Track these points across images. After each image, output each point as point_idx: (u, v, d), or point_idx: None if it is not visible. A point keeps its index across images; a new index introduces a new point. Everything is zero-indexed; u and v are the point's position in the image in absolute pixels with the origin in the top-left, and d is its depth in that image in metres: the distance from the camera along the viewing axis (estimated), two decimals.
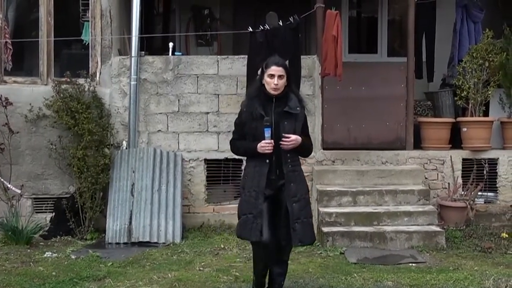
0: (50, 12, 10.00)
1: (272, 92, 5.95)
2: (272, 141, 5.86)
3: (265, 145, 5.85)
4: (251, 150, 6.01)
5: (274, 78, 5.92)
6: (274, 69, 5.94)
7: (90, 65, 10.14)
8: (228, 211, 10.00)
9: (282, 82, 5.95)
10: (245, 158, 6.37)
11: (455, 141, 10.39)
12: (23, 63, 10.68)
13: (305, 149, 6.16)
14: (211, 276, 7.36)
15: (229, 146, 9.87)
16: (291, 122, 5.98)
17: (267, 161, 5.94)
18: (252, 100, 6.05)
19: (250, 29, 9.65)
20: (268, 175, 5.96)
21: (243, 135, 6.13)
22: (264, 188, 5.94)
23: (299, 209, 5.97)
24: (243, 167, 9.96)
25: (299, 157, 6.17)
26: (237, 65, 10.06)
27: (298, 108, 6.01)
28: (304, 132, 6.12)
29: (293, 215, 5.93)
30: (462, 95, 10.23)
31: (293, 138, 5.90)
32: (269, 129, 5.86)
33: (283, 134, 5.89)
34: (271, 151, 5.88)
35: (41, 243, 9.23)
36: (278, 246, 6.06)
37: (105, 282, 7.20)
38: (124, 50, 10.38)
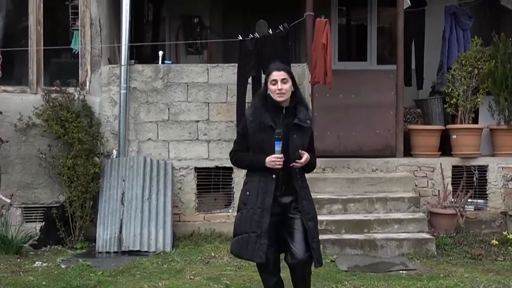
0: (40, 21, 9.99)
1: (278, 98, 5.55)
2: (283, 155, 5.47)
3: (275, 159, 5.46)
4: (257, 163, 5.59)
5: (277, 84, 5.54)
6: (276, 74, 5.58)
7: (79, 74, 10.12)
8: (219, 220, 10.01)
9: (287, 86, 5.57)
10: (246, 171, 5.95)
11: (445, 148, 10.43)
12: (12, 72, 10.65)
13: (311, 165, 5.81)
14: (201, 284, 7.35)
15: (219, 154, 10.01)
16: (300, 135, 5.60)
17: (274, 176, 5.55)
18: (259, 110, 5.64)
19: (240, 37, 9.66)
20: (274, 191, 5.58)
21: (247, 146, 5.72)
22: (270, 206, 5.54)
23: (313, 228, 5.66)
24: (233, 175, 9.99)
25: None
26: (227, 73, 10.06)
27: (308, 121, 5.65)
28: (310, 146, 5.78)
29: (310, 233, 5.60)
30: (452, 102, 10.27)
31: (306, 158, 5.55)
32: (280, 142, 5.44)
33: (300, 151, 5.53)
34: (281, 166, 5.49)
35: (31, 253, 9.21)
36: (294, 264, 5.68)
37: None
38: (114, 59, 10.38)
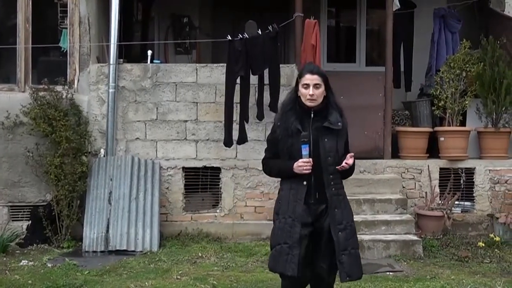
0: (28, 19, 9.95)
1: (308, 104, 5.24)
2: (311, 160, 5.12)
3: (302, 164, 5.10)
4: (286, 170, 5.25)
5: (309, 88, 5.22)
6: (309, 78, 5.25)
7: (68, 72, 10.08)
8: (206, 220, 9.99)
9: (319, 92, 5.26)
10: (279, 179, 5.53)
11: (433, 150, 10.45)
12: (0, 70, 10.61)
13: (351, 170, 5.46)
14: (188, 284, 7.34)
15: (207, 154, 10.00)
16: (331, 139, 5.27)
17: (305, 183, 5.19)
18: (287, 113, 5.30)
19: (229, 38, 9.64)
20: (306, 199, 5.20)
21: (277, 153, 5.36)
22: (301, 215, 5.17)
23: (346, 239, 5.21)
24: (221, 175, 9.97)
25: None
26: (216, 73, 10.04)
27: (339, 124, 5.34)
28: (346, 150, 5.42)
29: (339, 245, 5.16)
30: (440, 104, 10.29)
31: (351, 162, 5.25)
32: (307, 146, 5.11)
33: (348, 155, 5.24)
34: (310, 171, 5.14)
35: (17, 251, 9.17)
36: (319, 281, 5.39)
37: None
38: (102, 58, 10.35)
